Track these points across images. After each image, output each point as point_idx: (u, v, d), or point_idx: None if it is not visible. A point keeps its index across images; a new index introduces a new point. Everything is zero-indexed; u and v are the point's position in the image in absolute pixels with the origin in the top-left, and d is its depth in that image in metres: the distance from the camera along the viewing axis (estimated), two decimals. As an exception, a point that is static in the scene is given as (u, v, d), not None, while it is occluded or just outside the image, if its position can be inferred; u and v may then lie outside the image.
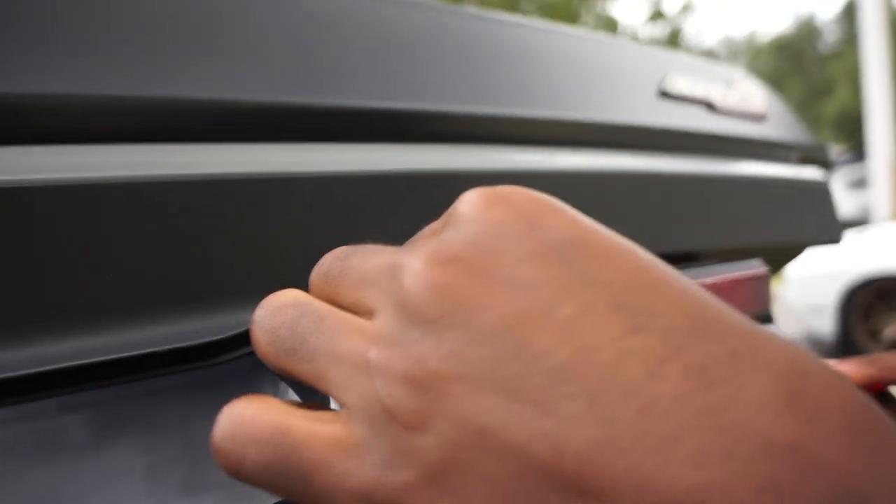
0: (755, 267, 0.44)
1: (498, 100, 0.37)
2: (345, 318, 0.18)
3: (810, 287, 4.45)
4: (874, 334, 4.25)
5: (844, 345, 4.31)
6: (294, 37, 0.30)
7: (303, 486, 0.16)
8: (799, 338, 4.97)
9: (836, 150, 13.74)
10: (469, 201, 0.17)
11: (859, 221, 7.13)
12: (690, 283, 0.16)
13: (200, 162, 0.26)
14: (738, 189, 0.50)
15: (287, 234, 0.28)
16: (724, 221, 0.48)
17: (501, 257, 0.16)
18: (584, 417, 0.13)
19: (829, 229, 0.57)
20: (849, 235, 4.89)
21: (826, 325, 4.34)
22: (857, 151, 10.05)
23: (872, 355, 0.40)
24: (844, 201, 8.90)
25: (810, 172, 0.58)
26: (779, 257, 0.58)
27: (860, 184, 8.90)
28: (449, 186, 0.33)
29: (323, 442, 0.16)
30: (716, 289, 0.41)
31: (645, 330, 0.14)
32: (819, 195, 0.57)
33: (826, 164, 0.62)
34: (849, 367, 0.39)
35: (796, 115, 0.61)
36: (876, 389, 0.40)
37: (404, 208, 0.31)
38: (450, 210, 0.18)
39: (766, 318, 0.44)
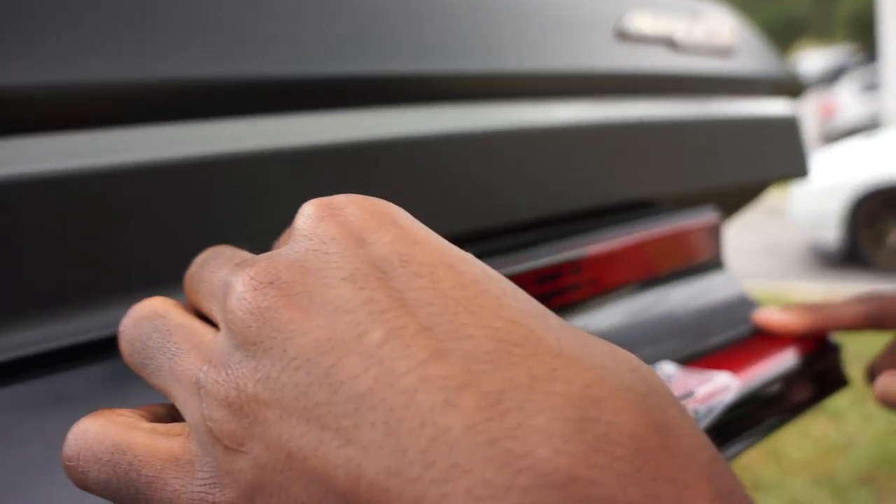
0: (707, 215, 0.43)
1: (429, 56, 0.36)
2: (191, 334, 0.18)
3: (816, 197, 4.41)
4: (879, 242, 4.24)
5: (850, 253, 4.31)
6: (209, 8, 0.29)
7: (142, 502, 0.16)
8: (805, 247, 4.97)
9: (849, 50, 13.31)
10: (305, 214, 0.17)
11: (870, 126, 6.99)
12: (517, 300, 0.16)
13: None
14: (700, 131, 0.49)
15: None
16: (684, 166, 0.47)
17: (323, 278, 0.16)
18: (381, 446, 0.13)
19: (795, 165, 0.56)
20: (855, 142, 4.81)
21: (831, 234, 4.33)
22: (871, 52, 9.74)
23: (816, 304, 0.40)
24: (855, 106, 8.70)
25: (778, 107, 0.56)
26: (741, 197, 0.57)
27: (872, 87, 8.68)
28: (375, 156, 0.32)
29: (160, 459, 0.17)
30: (666, 239, 0.41)
31: (449, 355, 0.14)
32: (786, 131, 0.56)
33: (798, 93, 0.61)
34: (792, 316, 0.40)
35: (768, 43, 0.59)
36: (818, 337, 0.40)
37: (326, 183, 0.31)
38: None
39: (716, 264, 0.44)
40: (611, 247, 0.38)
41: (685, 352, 0.37)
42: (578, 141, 0.41)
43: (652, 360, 0.36)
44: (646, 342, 0.37)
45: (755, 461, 2.40)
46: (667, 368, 0.34)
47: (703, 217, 0.43)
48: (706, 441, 0.14)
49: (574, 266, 0.36)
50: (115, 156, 0.25)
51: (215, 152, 0.27)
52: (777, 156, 0.55)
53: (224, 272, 0.18)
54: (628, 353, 0.16)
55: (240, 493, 0.15)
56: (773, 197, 6.68)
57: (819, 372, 0.39)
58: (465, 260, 0.17)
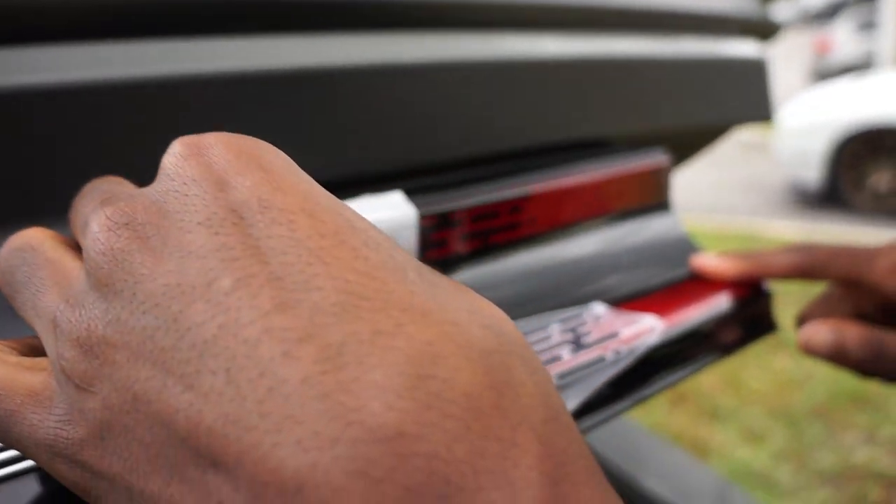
0: (655, 157, 0.43)
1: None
2: (56, 270, 0.18)
3: (800, 136, 4.40)
4: (859, 184, 4.27)
5: (830, 194, 4.34)
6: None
7: (3, 434, 0.17)
8: (786, 186, 5.00)
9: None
10: (171, 152, 0.17)
11: (864, 66, 6.91)
12: (378, 252, 0.16)
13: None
14: (660, 69, 0.48)
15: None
16: (641, 105, 0.47)
17: (179, 221, 0.16)
18: (221, 394, 0.13)
19: (759, 109, 0.56)
20: (845, 82, 4.77)
21: (813, 174, 4.35)
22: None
23: (751, 252, 0.41)
24: (851, 44, 8.58)
25: (745, 49, 0.56)
26: (701, 139, 0.57)
27: (869, 26, 8.54)
28: (307, 85, 0.32)
29: (20, 393, 0.17)
30: (611, 180, 0.41)
31: (295, 306, 0.14)
32: (752, 74, 0.55)
33: (769, 35, 0.60)
34: (726, 262, 0.40)
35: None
36: (752, 284, 0.41)
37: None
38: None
39: (663, 206, 0.44)
40: (552, 187, 0.38)
41: (620, 293, 0.38)
42: (530, 76, 0.40)
43: (586, 300, 0.37)
44: (581, 283, 0.38)
45: (715, 390, 2.48)
46: (597, 309, 0.35)
47: (650, 158, 0.43)
48: (551, 401, 0.15)
49: (512, 205, 0.36)
50: None
51: (110, 77, 0.26)
52: (741, 99, 0.55)
53: (89, 208, 0.18)
54: (492, 310, 0.16)
55: (90, 431, 0.15)
56: (758, 133, 6.66)
57: (748, 317, 0.40)
58: (330, 209, 0.16)
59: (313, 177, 0.18)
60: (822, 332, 0.38)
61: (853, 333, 0.37)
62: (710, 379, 2.53)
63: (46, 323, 0.17)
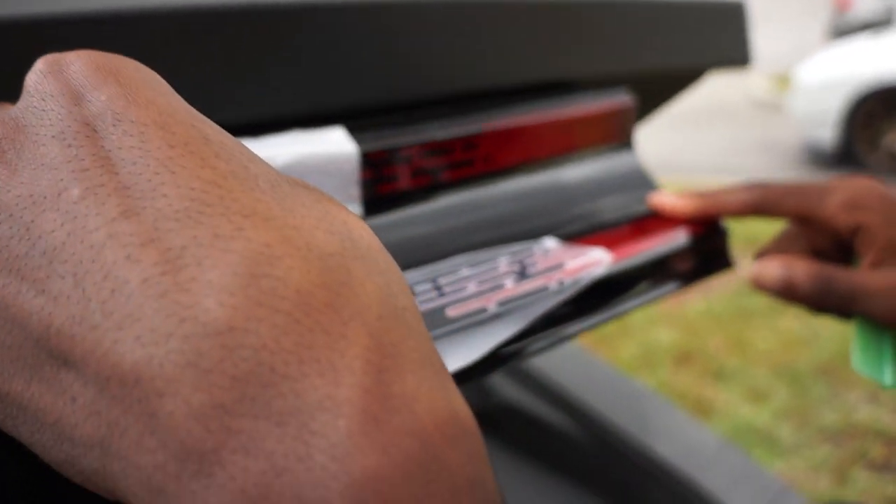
0: (618, 97, 0.43)
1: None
2: None
3: (816, 95, 4.33)
4: (874, 143, 4.20)
5: (844, 154, 4.29)
6: None
7: None
8: (801, 146, 4.92)
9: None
10: (34, 69, 0.18)
11: (883, 23, 6.75)
12: (228, 162, 0.16)
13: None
14: (632, 8, 0.48)
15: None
16: (610, 46, 0.47)
17: (34, 135, 0.16)
18: (69, 297, 0.14)
19: (736, 53, 0.56)
20: (864, 39, 4.67)
21: (828, 134, 4.29)
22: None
23: (707, 190, 0.41)
24: (870, 0, 8.35)
25: (721, -10, 0.55)
26: (676, 82, 0.57)
27: (892, -20, 8.29)
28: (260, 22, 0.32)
29: None
30: (572, 119, 0.42)
31: (140, 213, 0.15)
32: (728, 15, 0.55)
33: (750, -22, 0.59)
34: (682, 200, 0.41)
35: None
36: (708, 222, 0.42)
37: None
38: None
39: (625, 147, 0.44)
40: (509, 124, 0.38)
41: (574, 229, 0.39)
42: (489, 13, 0.40)
43: (539, 234, 0.37)
44: (536, 218, 0.38)
45: (720, 350, 2.49)
46: (548, 243, 0.36)
47: (613, 99, 0.43)
48: (392, 301, 0.16)
49: (467, 142, 0.37)
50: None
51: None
52: (716, 42, 0.55)
53: None
54: (345, 217, 0.17)
55: None
56: (773, 92, 6.55)
57: (703, 253, 0.41)
58: (183, 122, 0.17)
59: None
60: (771, 267, 0.38)
61: (802, 269, 0.38)
62: (716, 339, 2.54)
63: None
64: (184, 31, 0.30)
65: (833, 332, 2.47)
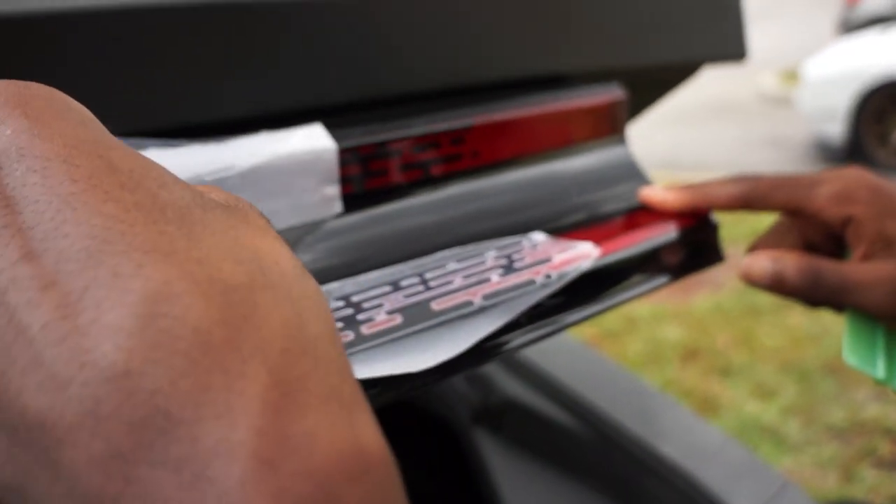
0: (610, 91, 0.43)
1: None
2: None
3: (824, 89, 4.30)
4: (883, 138, 4.17)
5: (853, 149, 4.26)
6: None
7: None
8: (809, 141, 4.89)
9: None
10: None
11: (890, 18, 6.70)
12: (134, 193, 0.16)
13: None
14: (622, 3, 0.48)
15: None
16: (602, 41, 0.47)
17: None
18: None
19: (731, 46, 0.55)
20: (873, 34, 4.63)
21: (837, 129, 4.26)
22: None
23: (695, 183, 0.41)
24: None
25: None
26: (669, 77, 0.57)
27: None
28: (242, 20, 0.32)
29: None
30: (563, 113, 0.42)
31: (41, 254, 0.14)
32: (723, 8, 0.54)
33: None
34: (672, 194, 0.41)
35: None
36: (698, 215, 0.42)
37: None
38: None
39: (617, 141, 0.44)
40: (498, 118, 0.38)
41: (564, 223, 0.39)
42: (486, 7, 0.41)
43: (528, 229, 0.37)
44: (525, 212, 0.38)
45: (728, 347, 2.48)
46: (536, 237, 0.36)
47: (605, 93, 0.43)
48: (299, 333, 0.15)
49: (455, 136, 0.37)
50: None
51: None
52: (711, 36, 0.54)
53: None
54: (259, 244, 0.17)
55: None
56: (782, 86, 6.50)
57: (693, 247, 0.41)
58: (90, 153, 0.16)
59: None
60: (760, 261, 0.38)
61: (791, 262, 0.37)
62: (724, 336, 2.53)
63: None
64: (166, 28, 0.30)
65: (842, 330, 2.46)
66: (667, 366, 2.39)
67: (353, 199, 0.34)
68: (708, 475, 0.82)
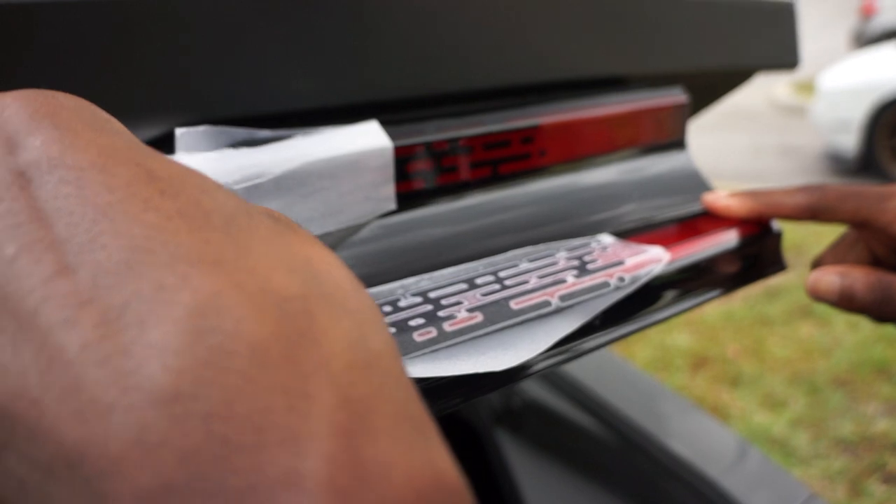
0: (673, 95, 0.43)
1: None
2: None
3: (839, 101, 4.29)
4: (896, 153, 4.16)
5: (866, 162, 4.24)
6: None
7: None
8: (823, 152, 4.88)
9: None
10: None
11: (909, 31, 6.67)
12: (176, 199, 0.15)
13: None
14: (682, 9, 0.48)
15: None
16: (662, 45, 0.47)
17: None
18: (6, 368, 0.13)
19: (786, 55, 0.55)
20: (889, 48, 4.62)
21: (850, 141, 4.24)
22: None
23: (761, 191, 0.41)
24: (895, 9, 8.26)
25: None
26: (723, 82, 0.56)
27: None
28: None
29: None
30: (627, 115, 0.41)
31: (77, 270, 0.13)
32: (779, 16, 0.54)
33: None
34: (736, 200, 0.40)
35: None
36: (761, 223, 0.41)
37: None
38: None
39: (678, 145, 0.44)
40: (566, 119, 0.38)
41: (629, 226, 0.38)
42: (548, 8, 0.40)
43: (595, 231, 0.37)
44: (592, 214, 0.38)
45: (738, 356, 2.47)
46: (604, 239, 0.36)
47: (668, 96, 0.43)
48: (363, 345, 0.14)
49: (524, 135, 0.36)
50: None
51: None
52: (766, 44, 0.54)
53: None
54: (310, 252, 0.15)
55: None
56: (797, 97, 6.49)
57: (756, 255, 0.40)
58: (126, 161, 0.15)
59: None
60: (828, 276, 0.38)
61: (860, 277, 0.37)
62: (734, 345, 2.52)
63: None
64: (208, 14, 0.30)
65: (853, 343, 2.45)
66: (676, 373, 2.39)
67: (421, 196, 0.34)
68: (730, 482, 0.81)
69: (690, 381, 2.35)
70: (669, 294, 0.36)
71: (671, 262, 0.35)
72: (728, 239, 0.39)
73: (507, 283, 0.31)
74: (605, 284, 0.32)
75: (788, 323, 2.62)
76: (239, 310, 0.13)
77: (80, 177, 0.14)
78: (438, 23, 0.36)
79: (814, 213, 0.39)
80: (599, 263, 0.33)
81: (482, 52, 0.38)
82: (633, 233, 0.38)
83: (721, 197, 0.41)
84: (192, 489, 0.11)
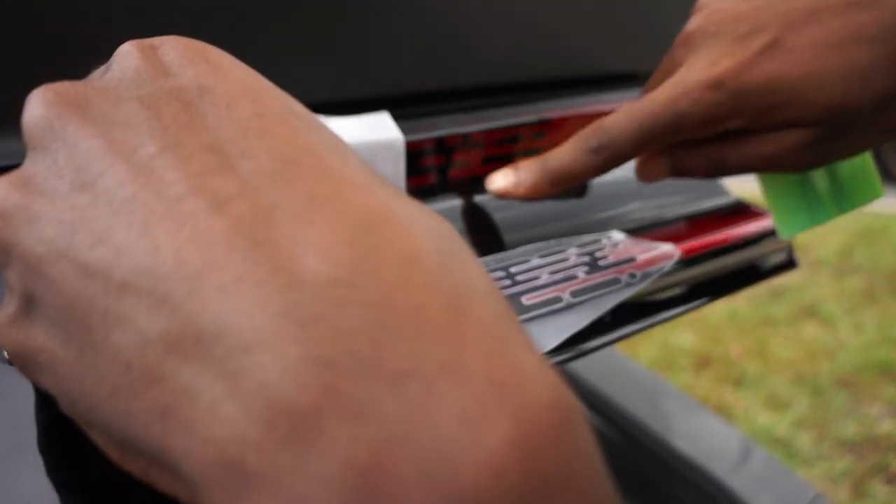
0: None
1: None
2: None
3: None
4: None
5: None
6: None
7: None
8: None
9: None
10: (120, 51, 0.17)
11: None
12: (321, 137, 0.16)
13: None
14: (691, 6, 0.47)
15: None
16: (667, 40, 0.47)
17: (116, 97, 0.16)
18: (133, 246, 0.13)
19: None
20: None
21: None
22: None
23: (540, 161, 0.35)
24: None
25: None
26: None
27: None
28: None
29: None
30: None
31: (227, 170, 0.14)
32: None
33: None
34: (522, 187, 0.33)
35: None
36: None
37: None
38: None
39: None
40: (577, 114, 0.38)
41: (640, 222, 0.38)
42: (565, 6, 0.40)
43: (605, 227, 0.37)
44: (602, 210, 0.38)
45: (742, 357, 2.47)
46: (615, 236, 0.36)
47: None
48: (490, 281, 0.14)
49: (535, 130, 0.36)
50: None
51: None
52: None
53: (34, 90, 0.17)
54: (432, 213, 0.16)
55: (16, 306, 0.15)
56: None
57: (767, 252, 0.40)
58: (270, 96, 0.16)
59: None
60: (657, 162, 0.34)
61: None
62: (738, 345, 2.52)
63: None
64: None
65: (857, 344, 2.45)
66: (680, 373, 2.38)
67: (431, 191, 0.34)
68: (735, 481, 0.81)
69: (694, 380, 2.34)
70: (679, 291, 0.35)
71: (682, 259, 0.35)
72: (739, 236, 0.39)
73: (519, 278, 0.31)
74: (616, 281, 0.32)
75: (793, 323, 2.62)
76: (391, 225, 0.13)
77: (230, 102, 0.15)
78: (451, 17, 0.36)
79: (608, 165, 0.32)
80: (610, 260, 0.33)
81: (493, 47, 0.37)
82: (643, 230, 0.38)
83: (497, 178, 0.34)
84: (347, 367, 0.11)
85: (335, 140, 0.16)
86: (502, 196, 0.33)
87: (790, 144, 0.30)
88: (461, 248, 0.15)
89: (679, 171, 0.33)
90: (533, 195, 0.33)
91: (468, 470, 0.11)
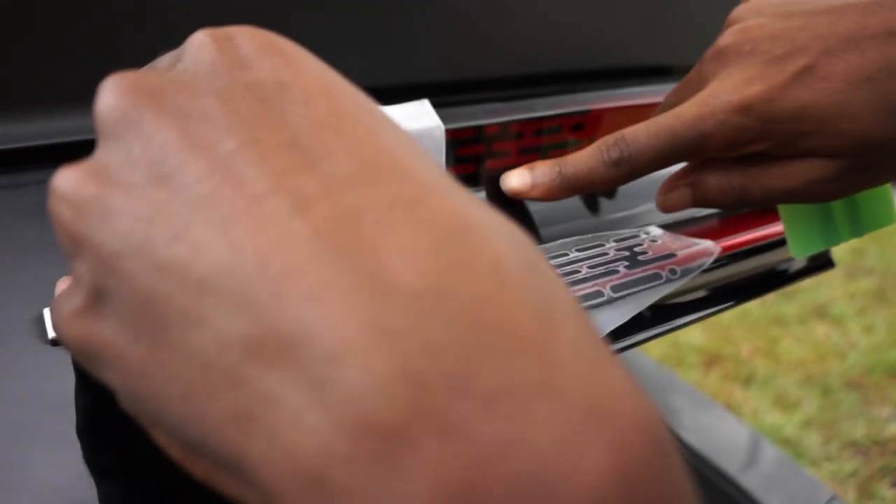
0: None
1: None
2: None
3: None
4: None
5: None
6: None
7: (56, 331, 0.16)
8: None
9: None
10: (193, 40, 0.17)
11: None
12: (398, 139, 0.15)
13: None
14: (724, 2, 0.47)
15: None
16: (706, 35, 0.46)
17: (192, 90, 0.15)
18: (211, 244, 0.13)
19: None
20: None
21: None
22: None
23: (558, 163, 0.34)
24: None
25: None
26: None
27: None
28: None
29: (62, 285, 0.17)
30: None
31: (309, 169, 0.13)
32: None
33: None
34: (538, 189, 0.33)
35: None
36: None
37: None
38: None
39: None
40: (615, 106, 0.37)
41: (678, 218, 0.38)
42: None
43: (642, 222, 0.37)
44: (639, 205, 0.38)
45: (752, 356, 2.46)
46: (654, 231, 0.35)
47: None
48: (572, 297, 0.14)
49: (574, 121, 0.36)
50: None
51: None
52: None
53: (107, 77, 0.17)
54: (508, 220, 0.16)
55: (84, 298, 0.15)
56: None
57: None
58: (349, 95, 0.16)
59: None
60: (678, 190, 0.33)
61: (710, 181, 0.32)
62: (748, 344, 2.51)
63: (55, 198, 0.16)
64: None
65: (867, 345, 2.43)
66: (689, 371, 2.38)
67: (469, 182, 0.33)
68: (749, 480, 0.81)
69: (703, 378, 2.34)
70: (718, 288, 0.35)
71: (721, 255, 0.35)
72: (776, 234, 0.39)
73: (559, 272, 0.30)
74: (657, 276, 0.32)
75: (803, 323, 2.61)
76: (477, 231, 0.13)
77: (307, 99, 0.15)
78: (492, 7, 0.35)
79: (627, 178, 0.32)
80: (650, 255, 0.33)
81: (536, 38, 0.37)
82: (678, 225, 0.37)
83: (512, 177, 0.33)
84: (437, 383, 0.11)
85: (408, 140, 0.15)
86: (516, 196, 0.33)
87: (815, 177, 0.30)
88: (541, 259, 0.14)
89: (701, 202, 0.33)
90: (547, 198, 0.33)
91: (567, 497, 0.10)
